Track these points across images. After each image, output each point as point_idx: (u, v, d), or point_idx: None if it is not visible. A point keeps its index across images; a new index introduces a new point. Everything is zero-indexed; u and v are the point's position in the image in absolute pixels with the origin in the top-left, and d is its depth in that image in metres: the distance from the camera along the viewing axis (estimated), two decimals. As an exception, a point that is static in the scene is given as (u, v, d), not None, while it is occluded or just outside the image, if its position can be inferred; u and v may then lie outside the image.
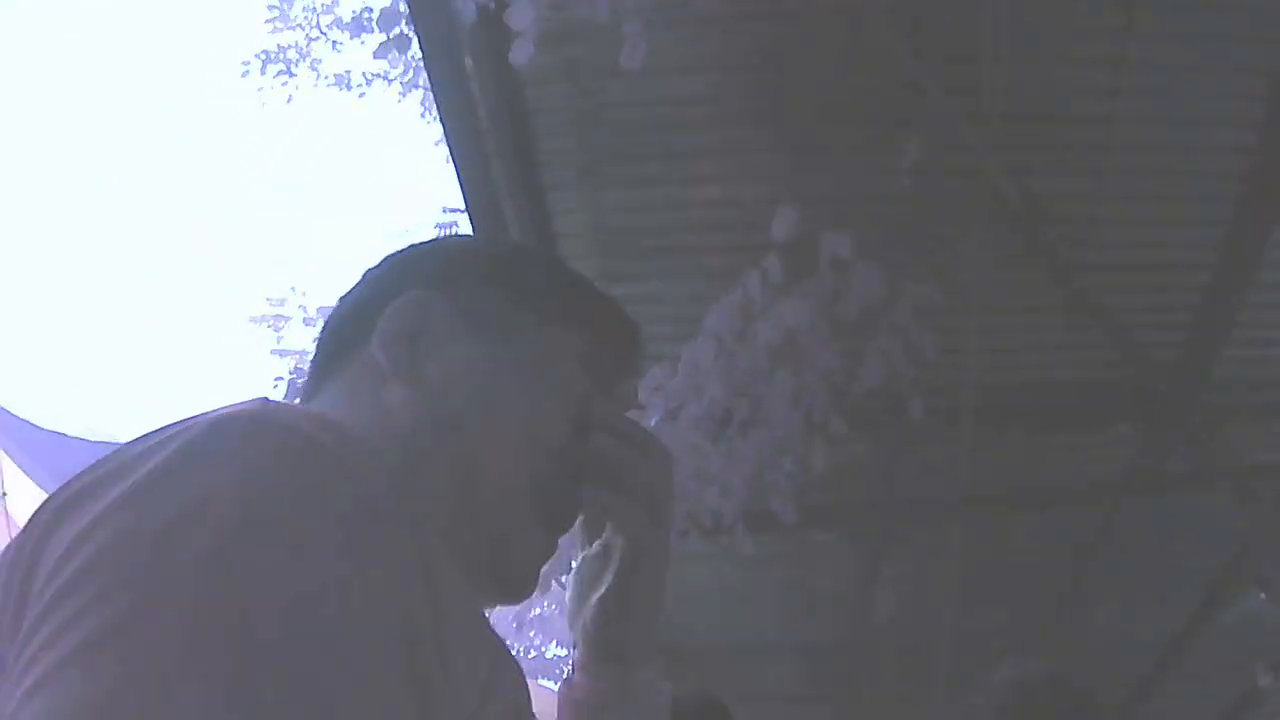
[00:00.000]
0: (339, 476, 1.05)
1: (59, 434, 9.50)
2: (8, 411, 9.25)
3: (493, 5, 4.51)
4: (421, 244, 1.55)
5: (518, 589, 1.40)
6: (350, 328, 1.43)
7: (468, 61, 4.97)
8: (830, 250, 4.73)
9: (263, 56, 13.00)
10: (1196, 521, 6.93)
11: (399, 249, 1.54)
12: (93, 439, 9.64)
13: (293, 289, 18.16)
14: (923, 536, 7.00)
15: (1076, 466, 6.71)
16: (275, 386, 13.84)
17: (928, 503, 6.72)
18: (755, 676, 8.50)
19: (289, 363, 16.68)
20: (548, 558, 1.41)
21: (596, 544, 1.51)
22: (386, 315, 1.39)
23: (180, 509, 0.97)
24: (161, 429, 1.08)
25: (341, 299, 1.50)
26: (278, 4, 12.79)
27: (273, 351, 17.82)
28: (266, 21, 12.85)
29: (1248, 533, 6.31)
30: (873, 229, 5.23)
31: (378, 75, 13.19)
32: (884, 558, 7.19)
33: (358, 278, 1.52)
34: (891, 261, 4.97)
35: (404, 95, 12.97)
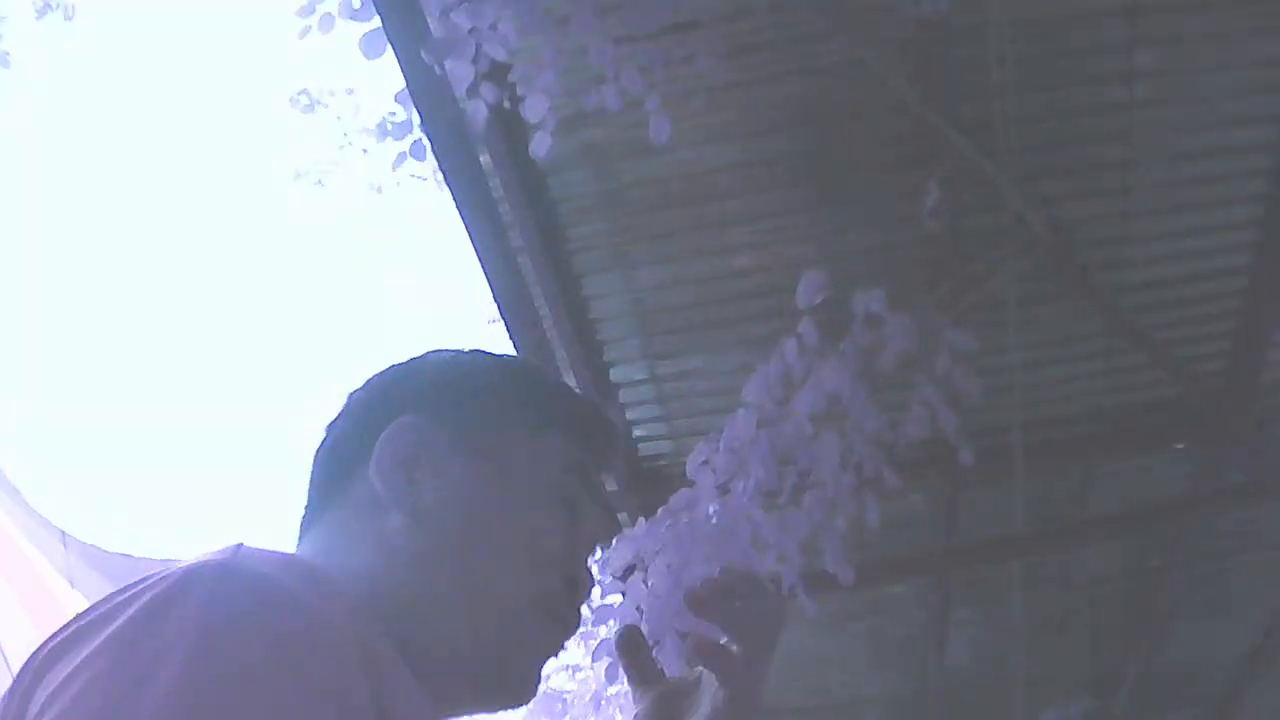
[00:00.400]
0: (307, 625, 1.10)
1: (127, 556, 9.53)
2: (74, 538, 9.27)
3: (507, 103, 4.51)
4: (403, 365, 1.56)
5: (521, 694, 1.43)
6: (343, 457, 1.47)
7: (484, 159, 4.97)
8: (863, 307, 4.68)
9: (298, 172, 13.14)
10: (1266, 532, 6.85)
11: (381, 370, 1.56)
12: (159, 558, 9.65)
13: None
14: (988, 578, 6.91)
15: (1135, 491, 6.61)
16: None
17: (988, 545, 6.63)
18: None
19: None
20: (549, 659, 1.46)
21: (679, 679, 1.55)
22: (381, 443, 1.42)
23: (150, 661, 1.03)
24: (141, 579, 1.14)
25: (330, 427, 1.53)
26: (303, 115, 12.86)
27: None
28: (311, 133, 12.95)
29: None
30: (903, 279, 5.20)
31: (415, 175, 13.27)
32: (951, 604, 7.10)
33: (342, 403, 1.55)
34: (925, 309, 4.91)
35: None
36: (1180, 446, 6.45)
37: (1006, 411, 5.61)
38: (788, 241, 5.42)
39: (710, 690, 1.48)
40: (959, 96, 4.89)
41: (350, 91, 12.64)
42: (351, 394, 1.54)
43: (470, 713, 1.46)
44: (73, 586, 8.73)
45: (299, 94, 12.55)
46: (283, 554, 1.27)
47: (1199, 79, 5.05)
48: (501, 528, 1.42)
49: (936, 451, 5.30)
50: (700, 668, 1.51)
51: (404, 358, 1.58)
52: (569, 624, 1.46)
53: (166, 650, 1.03)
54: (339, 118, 12.97)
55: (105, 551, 9.28)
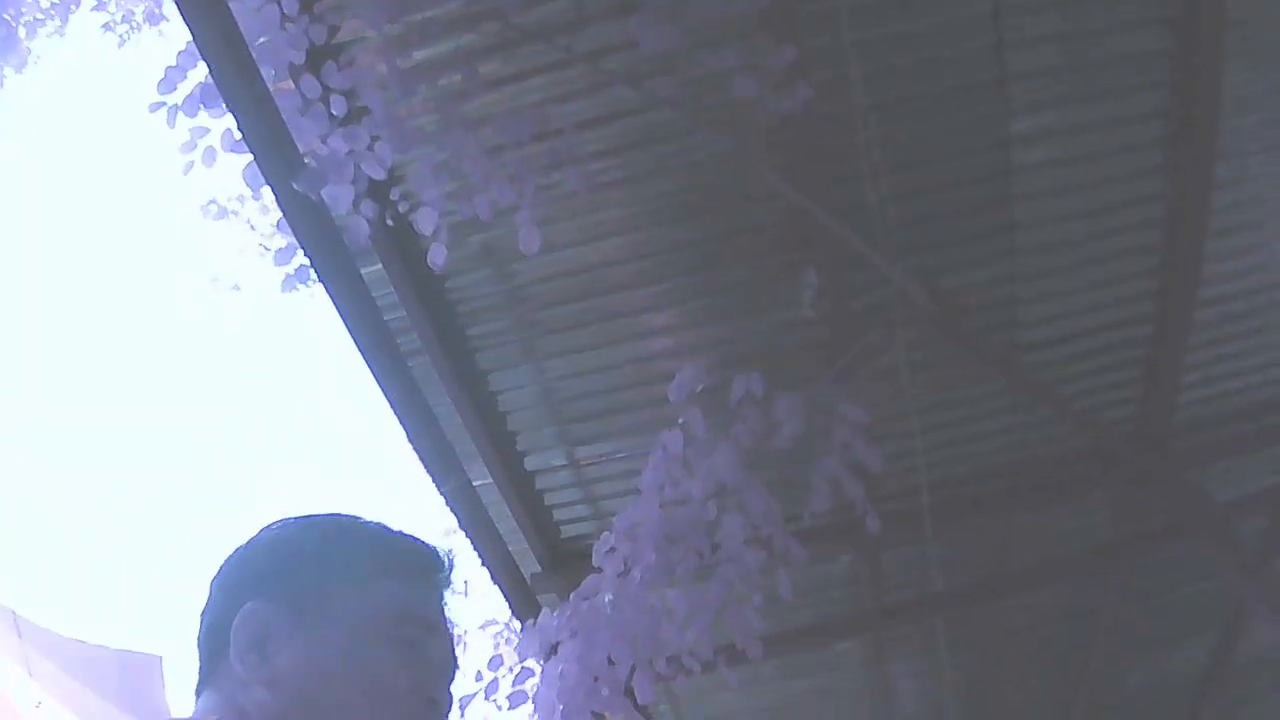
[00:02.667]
0: None
1: (80, 641, 9.60)
2: (28, 621, 9.30)
3: (389, 219, 4.64)
4: (244, 548, 1.74)
5: None
6: (212, 642, 1.66)
7: (374, 271, 5.09)
8: (745, 390, 4.80)
9: (214, 278, 13.22)
10: (1193, 566, 6.92)
11: (230, 554, 1.74)
12: (114, 647, 9.71)
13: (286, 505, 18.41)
14: (917, 635, 7.00)
15: (1058, 540, 6.70)
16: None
17: (911, 604, 6.73)
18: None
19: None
20: None
21: None
22: (234, 631, 1.62)
23: None
24: None
25: (202, 614, 1.71)
26: (218, 223, 12.95)
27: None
28: (222, 239, 13.05)
29: (1238, 572, 6.28)
30: (796, 360, 5.31)
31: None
32: (887, 659, 7.19)
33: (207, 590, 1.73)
34: (815, 387, 5.02)
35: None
36: (1096, 495, 6.53)
37: (914, 475, 5.71)
38: (684, 327, 5.56)
39: None
40: (831, 181, 5.00)
41: (258, 197, 12.70)
42: (211, 582, 1.73)
43: None
44: (30, 676, 8.75)
45: (208, 204, 12.62)
46: None
47: (1076, 139, 5.17)
48: (346, 679, 1.61)
49: (845, 519, 5.39)
50: None
51: (246, 545, 1.76)
52: None
53: None
54: (249, 223, 13.03)
55: (61, 637, 9.34)
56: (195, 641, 1.72)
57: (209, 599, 1.72)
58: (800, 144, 4.88)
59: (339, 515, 1.81)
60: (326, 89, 4.37)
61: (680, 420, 4.78)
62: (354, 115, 4.43)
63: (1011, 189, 5.27)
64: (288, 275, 4.63)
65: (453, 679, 1.74)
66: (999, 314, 5.64)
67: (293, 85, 4.40)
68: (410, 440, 5.22)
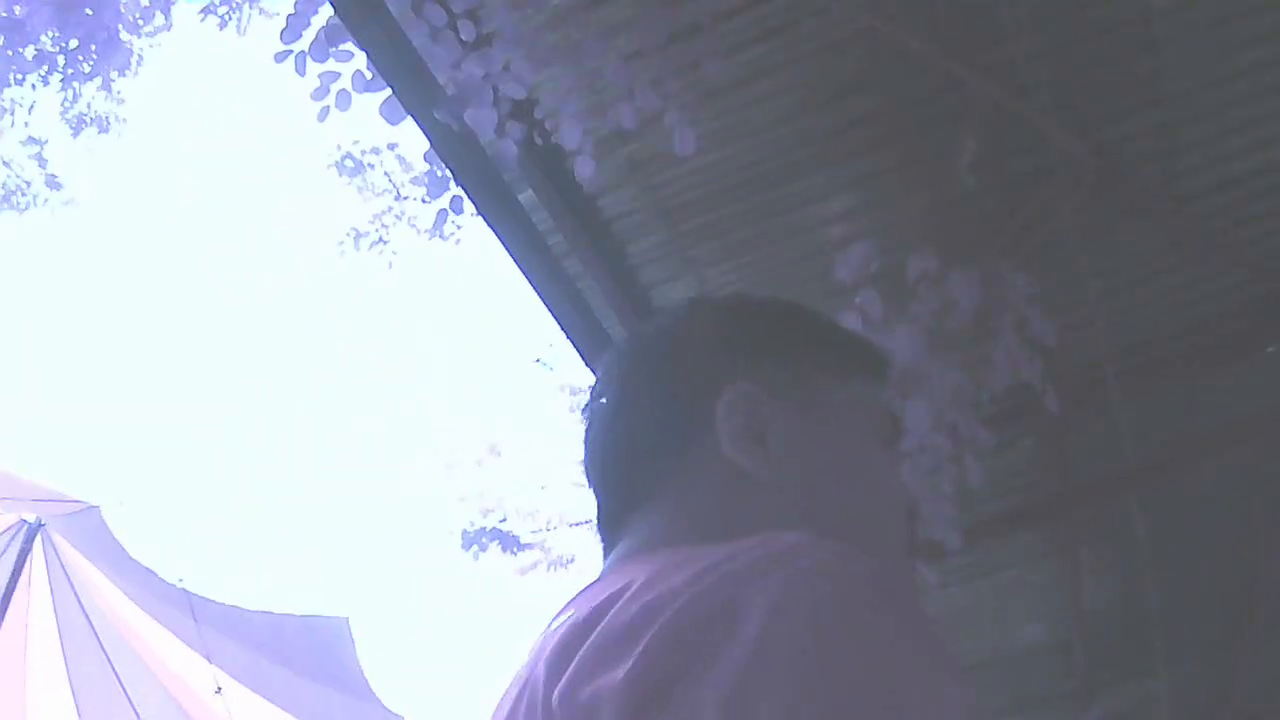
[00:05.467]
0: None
1: (265, 612, 9.61)
2: (206, 600, 9.31)
3: (538, 138, 4.55)
4: (694, 332, 1.54)
5: None
6: (670, 431, 1.43)
7: (526, 197, 5.01)
8: (919, 270, 4.67)
9: (353, 233, 13.20)
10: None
11: (653, 339, 1.54)
12: (299, 614, 9.72)
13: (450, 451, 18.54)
14: (1107, 517, 6.84)
15: (1242, 399, 6.49)
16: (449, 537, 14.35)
17: (1100, 482, 6.57)
18: (986, 693, 8.37)
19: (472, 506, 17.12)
20: None
21: None
22: (724, 417, 1.40)
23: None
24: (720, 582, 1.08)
25: (616, 407, 1.49)
26: (352, 181, 12.93)
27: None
28: (356, 197, 13.05)
29: None
30: (960, 236, 5.17)
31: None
32: (1077, 548, 7.03)
33: (613, 381, 1.50)
34: (985, 260, 4.89)
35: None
36: (1271, 349, 6.33)
37: (1091, 347, 5.56)
38: (836, 220, 5.41)
39: None
40: (973, 44, 4.85)
41: (394, 146, 12.71)
42: (623, 378, 1.52)
43: None
44: (210, 660, 8.77)
45: (343, 159, 12.64)
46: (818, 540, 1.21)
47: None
48: (859, 478, 1.44)
49: (1030, 399, 5.25)
50: None
51: (675, 327, 1.56)
52: (915, 554, 1.51)
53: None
54: (386, 174, 13.05)
55: (243, 610, 9.33)
56: (598, 467, 1.49)
57: (625, 405, 1.49)
58: (938, 8, 4.73)
59: (801, 305, 1.62)
60: (452, 15, 4.29)
61: (858, 302, 4.65)
62: (484, 39, 4.36)
63: (1152, 33, 5.07)
64: (440, 211, 4.56)
65: None
66: (1159, 165, 5.45)
67: (417, 17, 4.33)
68: (585, 363, 5.14)
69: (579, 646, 1.09)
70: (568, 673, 1.08)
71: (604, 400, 1.52)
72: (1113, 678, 8.31)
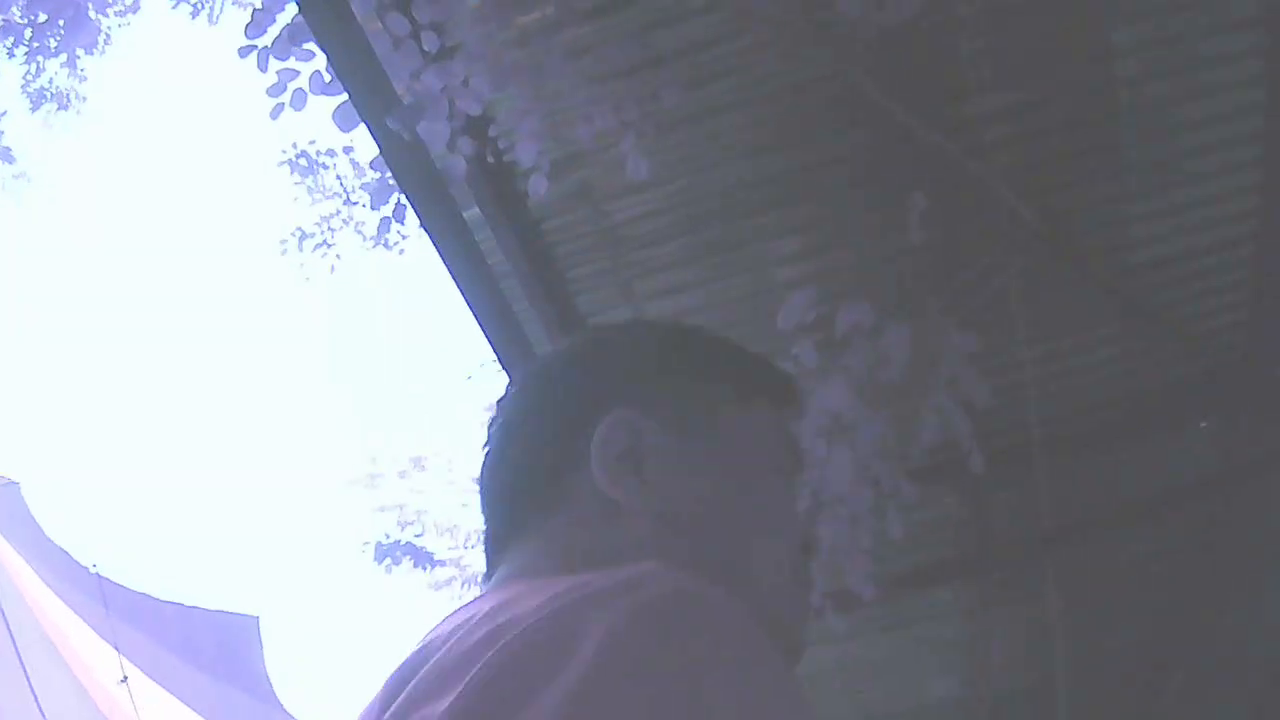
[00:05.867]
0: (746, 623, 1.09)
1: (176, 604, 9.55)
2: (117, 586, 9.24)
3: (490, 157, 4.53)
4: (585, 357, 1.51)
5: (796, 662, 1.40)
6: (547, 460, 1.40)
7: (471, 214, 4.99)
8: (854, 321, 4.67)
9: (298, 233, 13.13)
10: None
11: (547, 368, 1.52)
12: (188, 604, 9.66)
13: (377, 451, 18.48)
14: (1022, 579, 6.86)
15: (1167, 473, 6.54)
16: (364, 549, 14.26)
17: (1018, 544, 6.59)
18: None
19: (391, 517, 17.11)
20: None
21: None
22: (598, 445, 1.36)
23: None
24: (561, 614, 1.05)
25: (508, 432, 1.46)
26: (303, 181, 12.84)
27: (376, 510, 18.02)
28: (304, 198, 12.97)
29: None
30: (903, 289, 5.18)
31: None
32: (989, 608, 7.05)
33: (509, 402, 1.48)
34: (924, 316, 4.89)
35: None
36: (1204, 425, 6.38)
37: (1022, 410, 5.57)
38: (778, 264, 5.41)
39: None
40: (934, 99, 4.86)
41: (349, 150, 12.64)
42: (516, 399, 1.49)
43: None
44: (118, 649, 8.69)
45: (297, 157, 12.58)
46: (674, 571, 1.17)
47: (1179, 50, 5.00)
48: (741, 508, 1.38)
49: (955, 456, 5.25)
50: None
51: (571, 350, 1.54)
52: (809, 587, 1.46)
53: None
54: (339, 177, 12.98)
55: (155, 600, 9.27)
56: (487, 492, 1.46)
57: (521, 415, 1.47)
58: (905, 61, 4.73)
59: (701, 328, 1.58)
60: (417, 25, 4.27)
61: (794, 352, 4.64)
62: (447, 51, 4.34)
63: (1113, 103, 5.11)
64: (383, 219, 4.54)
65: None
66: (1105, 236, 5.51)
67: (382, 25, 4.32)
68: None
69: (413, 675, 1.07)
70: (399, 700, 1.05)
71: (498, 423, 1.49)
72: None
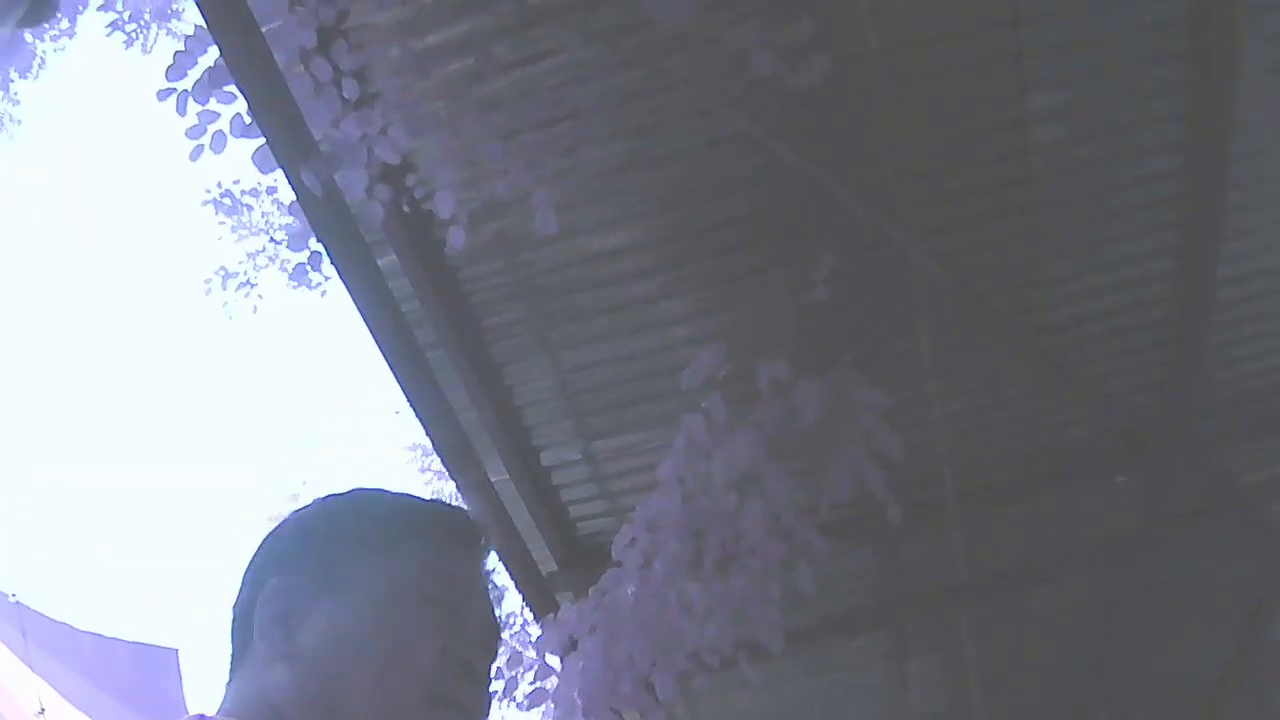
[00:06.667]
0: None
1: (95, 634, 9.52)
2: (35, 613, 9.20)
3: (405, 206, 4.58)
4: (271, 533, 1.69)
5: None
6: (241, 625, 1.60)
7: (388, 262, 5.03)
8: (767, 376, 4.73)
9: (221, 272, 13.11)
10: (1222, 554, 6.85)
11: (268, 535, 1.70)
12: (128, 640, 9.64)
13: (304, 482, 18.38)
14: (941, 626, 6.92)
15: (1082, 527, 6.61)
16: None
17: (932, 594, 6.66)
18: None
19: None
20: None
21: None
22: (258, 609, 1.56)
23: None
24: None
25: (232, 607, 1.65)
26: (229, 220, 12.81)
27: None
28: (232, 232, 12.90)
29: (1267, 555, 6.21)
30: (807, 345, 5.24)
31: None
32: (908, 654, 7.12)
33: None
34: (835, 373, 4.95)
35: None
36: (1121, 480, 6.45)
37: (937, 463, 5.64)
38: (702, 314, 5.48)
39: None
40: (848, 158, 4.94)
41: (273, 190, 12.61)
42: (246, 565, 1.67)
43: None
44: (34, 672, 8.65)
45: (222, 196, 12.56)
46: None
47: (1093, 118, 5.09)
48: (372, 646, 1.52)
49: (871, 509, 5.31)
50: None
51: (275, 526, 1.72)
52: (469, 705, 1.57)
53: None
54: (264, 215, 12.96)
55: (73, 629, 9.23)
56: (229, 632, 1.66)
57: (239, 589, 1.65)
58: (817, 121, 4.80)
59: (364, 488, 1.74)
60: (338, 72, 4.31)
61: (703, 406, 4.70)
62: (366, 99, 4.38)
63: (1029, 167, 5.20)
64: (299, 264, 4.58)
65: (495, 650, 1.66)
66: (1019, 295, 5.59)
67: (304, 70, 4.35)
68: (428, 434, 5.16)
69: None
70: None
71: None
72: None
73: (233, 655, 1.62)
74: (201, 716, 1.37)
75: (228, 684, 1.60)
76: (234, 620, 1.63)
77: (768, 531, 4.89)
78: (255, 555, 1.67)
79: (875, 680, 7.45)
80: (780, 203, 5.11)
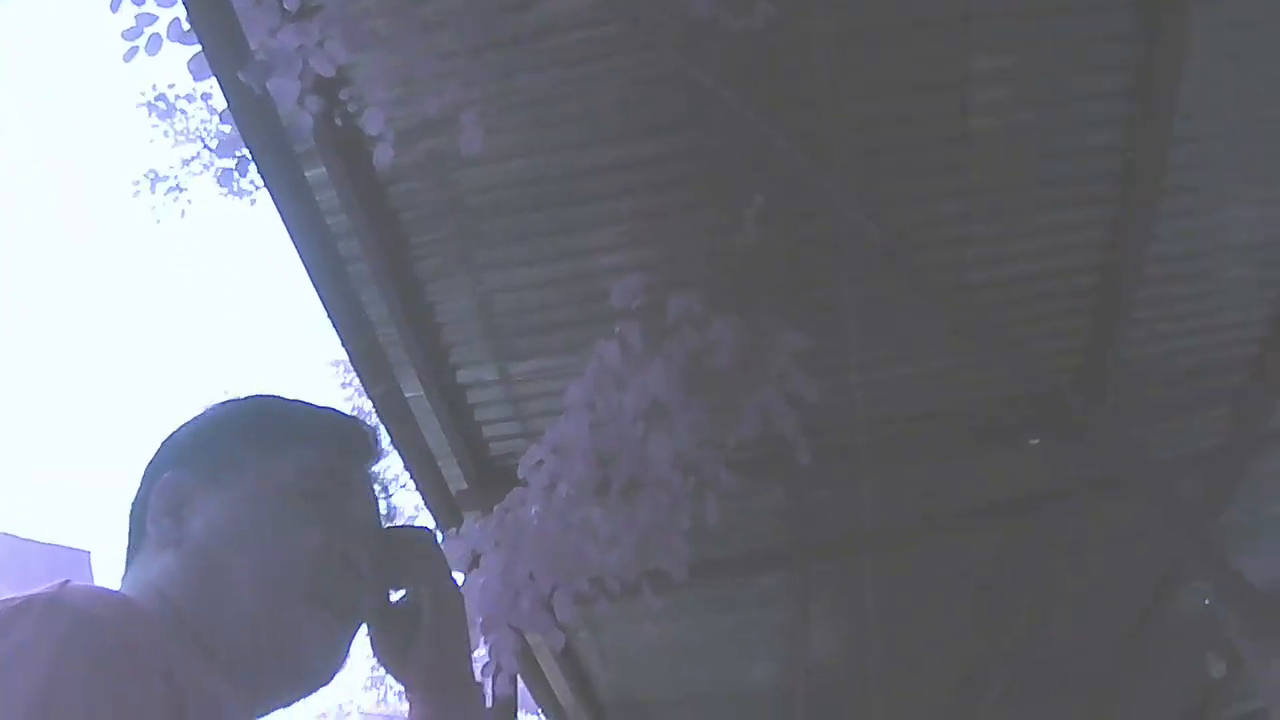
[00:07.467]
0: (116, 648, 1.30)
1: (9, 535, 9.57)
2: None
3: (338, 119, 4.60)
4: (179, 427, 1.77)
5: (318, 672, 1.62)
6: (137, 517, 1.68)
7: (318, 174, 5.05)
8: (683, 308, 4.78)
9: (151, 175, 13.00)
10: (1125, 525, 6.97)
11: (168, 434, 1.78)
12: (42, 541, 9.68)
13: (225, 391, 18.41)
14: (844, 573, 7.01)
15: (990, 486, 6.71)
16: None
17: (838, 540, 6.74)
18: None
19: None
20: (344, 641, 1.65)
21: (395, 601, 1.80)
22: (150, 501, 1.66)
23: None
24: None
25: (132, 499, 1.73)
26: (162, 123, 12.73)
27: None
28: (165, 136, 12.79)
29: (1172, 531, 6.30)
30: (729, 283, 5.28)
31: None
32: (810, 598, 7.21)
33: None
34: (755, 312, 5.01)
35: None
36: (1035, 442, 6.53)
37: (851, 410, 5.71)
38: (627, 245, 5.52)
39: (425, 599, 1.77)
40: (786, 105, 4.96)
41: (208, 96, 12.52)
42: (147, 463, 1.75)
43: (287, 701, 1.63)
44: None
45: (156, 99, 12.46)
46: (100, 589, 1.46)
47: (1033, 83, 5.14)
48: (253, 536, 1.61)
49: (782, 450, 5.38)
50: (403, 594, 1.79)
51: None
52: (347, 595, 1.65)
53: (1, 673, 1.24)
54: (202, 123, 12.87)
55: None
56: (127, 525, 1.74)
57: (137, 487, 1.73)
58: (758, 66, 4.82)
59: (262, 395, 1.83)
60: (283, -20, 4.31)
61: (617, 331, 4.76)
62: (307, 12, 4.37)
63: (968, 127, 5.24)
64: (226, 170, 4.60)
65: (376, 549, 1.74)
66: (946, 252, 5.64)
67: (244, -23, 4.34)
68: (344, 344, 5.18)
69: None
70: None
71: None
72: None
73: (128, 549, 1.69)
74: (66, 581, 1.40)
75: (122, 577, 1.67)
76: (131, 516, 1.71)
77: (674, 464, 4.97)
78: (154, 453, 1.75)
79: (776, 620, 7.54)
80: (714, 143, 5.13)
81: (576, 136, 5.16)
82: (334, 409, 1.85)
